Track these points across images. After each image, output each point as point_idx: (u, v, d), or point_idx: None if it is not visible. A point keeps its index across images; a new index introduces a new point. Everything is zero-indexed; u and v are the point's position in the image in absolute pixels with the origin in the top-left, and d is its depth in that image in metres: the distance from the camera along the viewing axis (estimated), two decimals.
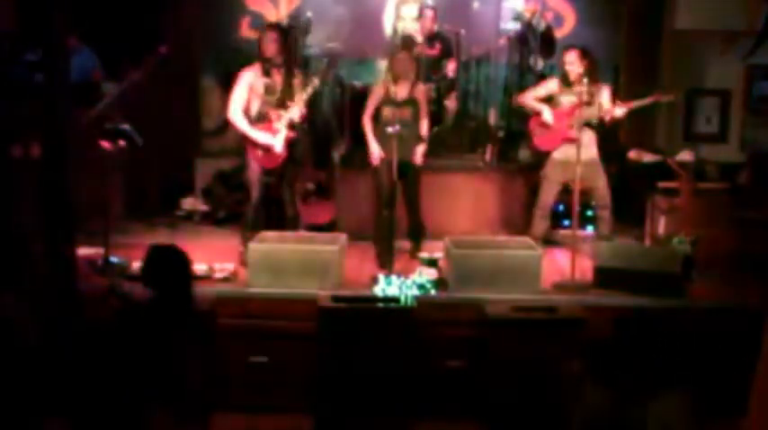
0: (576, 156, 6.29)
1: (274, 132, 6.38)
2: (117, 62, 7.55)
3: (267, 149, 6.41)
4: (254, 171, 6.51)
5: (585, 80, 6.47)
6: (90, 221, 6.55)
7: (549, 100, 6.95)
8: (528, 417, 5.34)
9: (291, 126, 6.43)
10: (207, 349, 5.51)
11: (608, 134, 7.35)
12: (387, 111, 6.71)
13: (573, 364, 3.69)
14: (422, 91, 6.85)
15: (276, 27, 6.89)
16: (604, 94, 6.80)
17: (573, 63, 6.77)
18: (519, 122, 8.18)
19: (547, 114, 6.86)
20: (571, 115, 6.70)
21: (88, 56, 7.74)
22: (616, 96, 7.02)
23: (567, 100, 6.82)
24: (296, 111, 6.43)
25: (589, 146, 6.73)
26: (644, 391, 3.41)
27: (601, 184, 6.82)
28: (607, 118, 6.72)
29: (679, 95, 7.00)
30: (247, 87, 6.43)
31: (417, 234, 6.94)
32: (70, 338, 5.50)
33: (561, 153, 6.82)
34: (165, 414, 4.05)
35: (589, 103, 6.61)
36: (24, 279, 5.07)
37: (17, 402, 4.14)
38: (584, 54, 6.81)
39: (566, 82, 6.88)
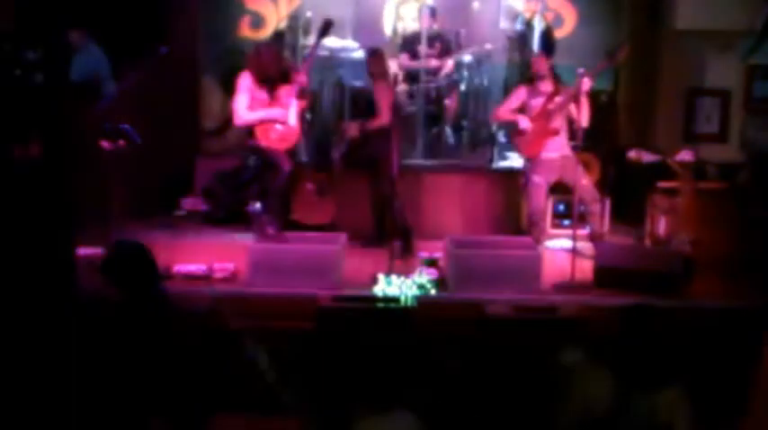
0: (556, 152, 6.76)
1: (285, 107, 6.47)
2: (117, 62, 7.54)
3: (281, 126, 6.48)
4: (277, 152, 6.61)
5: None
6: (90, 221, 6.55)
7: (522, 110, 7.07)
8: (528, 418, 5.33)
9: (301, 95, 6.53)
10: (206, 350, 5.53)
11: (608, 134, 7.37)
12: None
13: (575, 352, 3.69)
14: (379, 90, 6.96)
15: (272, 45, 6.93)
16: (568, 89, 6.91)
17: (540, 64, 7.05)
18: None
19: (523, 122, 6.96)
20: (545, 111, 6.88)
21: (95, 54, 7.73)
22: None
23: (537, 102, 6.97)
24: (302, 78, 6.57)
25: (563, 143, 6.92)
26: (647, 382, 3.44)
27: (584, 181, 6.87)
28: (577, 98, 6.70)
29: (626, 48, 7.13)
30: (248, 93, 6.50)
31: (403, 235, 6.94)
32: (71, 339, 5.50)
33: (543, 153, 6.96)
34: (164, 417, 4.05)
35: (556, 94, 6.85)
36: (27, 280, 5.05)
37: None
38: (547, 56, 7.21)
39: (531, 82, 7.05)
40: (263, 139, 6.54)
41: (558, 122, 6.92)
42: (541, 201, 7.04)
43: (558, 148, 6.94)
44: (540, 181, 6.98)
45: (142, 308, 4.03)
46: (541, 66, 7.03)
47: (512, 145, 7.41)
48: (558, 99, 6.88)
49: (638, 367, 3.48)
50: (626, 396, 3.44)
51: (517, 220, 7.61)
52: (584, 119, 6.67)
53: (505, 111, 7.16)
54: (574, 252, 6.31)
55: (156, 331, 4.00)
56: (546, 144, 6.93)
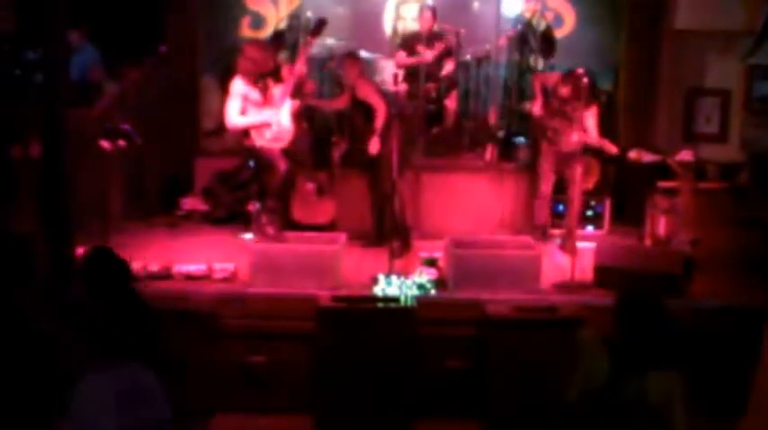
0: (563, 146, 6.93)
1: (278, 107, 6.46)
2: (117, 62, 7.55)
3: (275, 126, 6.48)
4: (272, 152, 6.58)
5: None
6: (89, 221, 6.55)
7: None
8: (528, 417, 5.33)
9: (295, 94, 6.55)
10: (207, 349, 5.53)
11: (607, 134, 7.37)
12: None
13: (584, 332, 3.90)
14: (364, 88, 7.04)
15: (259, 42, 6.91)
16: (590, 118, 6.94)
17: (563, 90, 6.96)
18: (519, 122, 8.20)
19: (536, 108, 7.14)
20: (553, 118, 7.02)
21: (90, 53, 7.73)
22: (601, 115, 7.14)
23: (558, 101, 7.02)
24: (299, 68, 6.62)
25: (571, 140, 6.99)
26: (637, 365, 3.56)
27: (577, 178, 7.04)
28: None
29: (618, 150, 7.04)
30: (241, 97, 6.49)
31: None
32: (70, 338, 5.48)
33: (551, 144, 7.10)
34: None
35: (570, 121, 6.89)
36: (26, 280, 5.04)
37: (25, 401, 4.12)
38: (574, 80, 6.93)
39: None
40: (258, 139, 6.54)
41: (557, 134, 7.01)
42: (548, 187, 7.16)
43: (565, 144, 7.00)
44: (546, 168, 7.13)
45: (117, 311, 3.99)
46: (565, 91, 6.94)
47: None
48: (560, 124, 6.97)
49: (629, 350, 3.59)
50: (619, 375, 3.55)
51: (517, 221, 7.60)
52: (591, 139, 6.89)
53: (538, 82, 7.31)
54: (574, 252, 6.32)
55: (131, 333, 3.96)
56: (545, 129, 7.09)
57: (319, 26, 6.73)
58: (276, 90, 6.54)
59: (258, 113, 6.53)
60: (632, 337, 3.59)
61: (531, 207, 7.36)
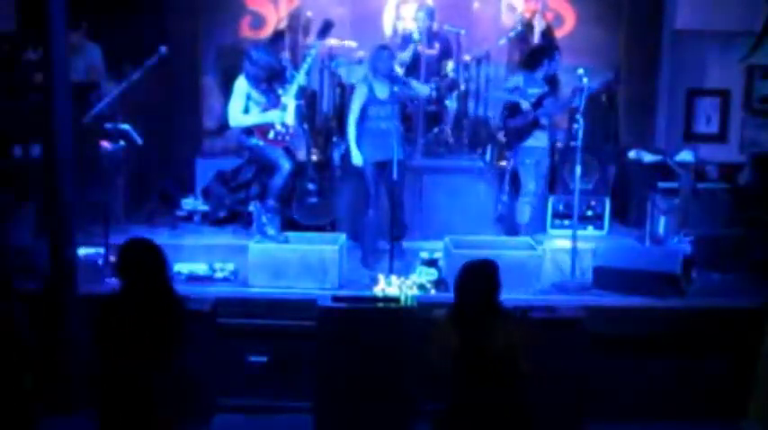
0: (542, 141, 7.03)
1: (283, 107, 6.47)
2: (117, 62, 7.54)
3: (279, 126, 6.48)
4: (275, 151, 6.60)
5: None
6: (90, 221, 6.55)
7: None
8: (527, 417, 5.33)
9: (298, 95, 6.62)
10: (207, 349, 5.54)
11: (608, 134, 7.37)
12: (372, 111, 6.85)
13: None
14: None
15: (266, 45, 6.91)
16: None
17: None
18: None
19: (524, 103, 7.07)
20: (538, 105, 7.03)
21: (91, 53, 7.73)
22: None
23: (533, 92, 7.07)
24: (301, 79, 6.61)
25: (546, 135, 7.17)
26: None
27: (542, 173, 7.18)
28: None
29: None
30: (244, 97, 6.49)
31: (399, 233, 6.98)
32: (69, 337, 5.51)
33: (530, 141, 7.10)
34: (165, 413, 4.05)
35: (552, 94, 7.05)
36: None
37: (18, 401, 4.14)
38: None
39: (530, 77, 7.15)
40: (261, 139, 6.55)
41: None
42: (533, 184, 7.14)
43: (542, 139, 7.10)
44: (529, 164, 7.14)
45: (144, 301, 4.04)
46: None
47: (507, 131, 7.42)
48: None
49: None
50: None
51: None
52: None
53: (504, 90, 7.36)
54: (574, 252, 6.32)
55: (155, 324, 4.00)
56: (532, 131, 7.08)
57: (325, 29, 6.73)
58: (280, 90, 6.55)
59: (261, 113, 6.54)
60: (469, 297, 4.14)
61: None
